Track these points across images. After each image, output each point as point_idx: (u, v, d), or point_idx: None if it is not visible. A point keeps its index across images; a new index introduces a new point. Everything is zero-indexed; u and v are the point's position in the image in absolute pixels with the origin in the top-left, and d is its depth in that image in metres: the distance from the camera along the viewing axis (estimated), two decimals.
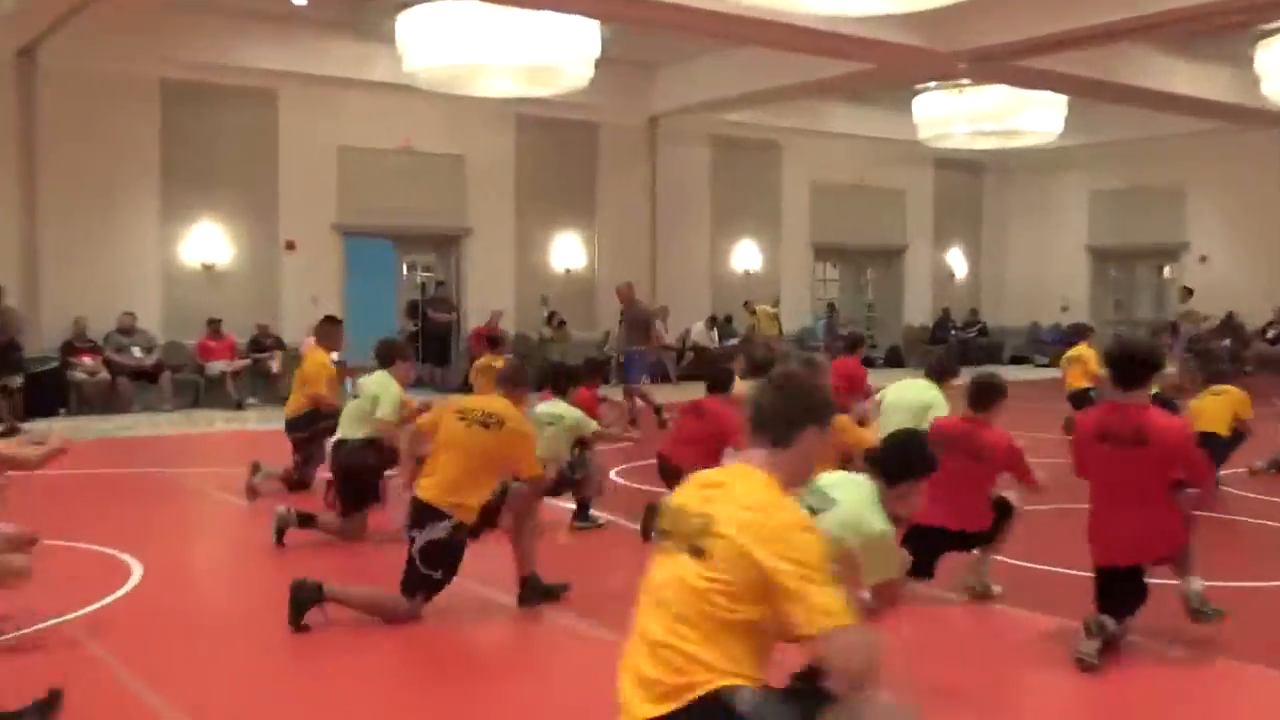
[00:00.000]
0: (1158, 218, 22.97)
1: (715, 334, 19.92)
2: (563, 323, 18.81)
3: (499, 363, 9.08)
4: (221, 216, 16.46)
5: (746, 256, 21.65)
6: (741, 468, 2.67)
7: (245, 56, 15.84)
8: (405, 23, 13.42)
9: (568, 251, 19.47)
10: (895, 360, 22.48)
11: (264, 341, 16.28)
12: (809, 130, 21.13)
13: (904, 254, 24.15)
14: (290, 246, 16.75)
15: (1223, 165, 21.71)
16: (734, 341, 19.02)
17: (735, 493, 2.57)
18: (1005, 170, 24.88)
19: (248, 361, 16.27)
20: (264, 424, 12.99)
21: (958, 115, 18.06)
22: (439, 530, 5.21)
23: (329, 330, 9.03)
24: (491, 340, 13.00)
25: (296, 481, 8.64)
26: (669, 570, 2.55)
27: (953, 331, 23.26)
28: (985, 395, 5.61)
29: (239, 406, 15.64)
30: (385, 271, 18.84)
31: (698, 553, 2.50)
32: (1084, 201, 24.12)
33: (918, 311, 24.30)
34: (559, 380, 7.87)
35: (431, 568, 5.19)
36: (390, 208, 17.35)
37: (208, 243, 16.50)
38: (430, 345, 18.11)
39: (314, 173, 16.76)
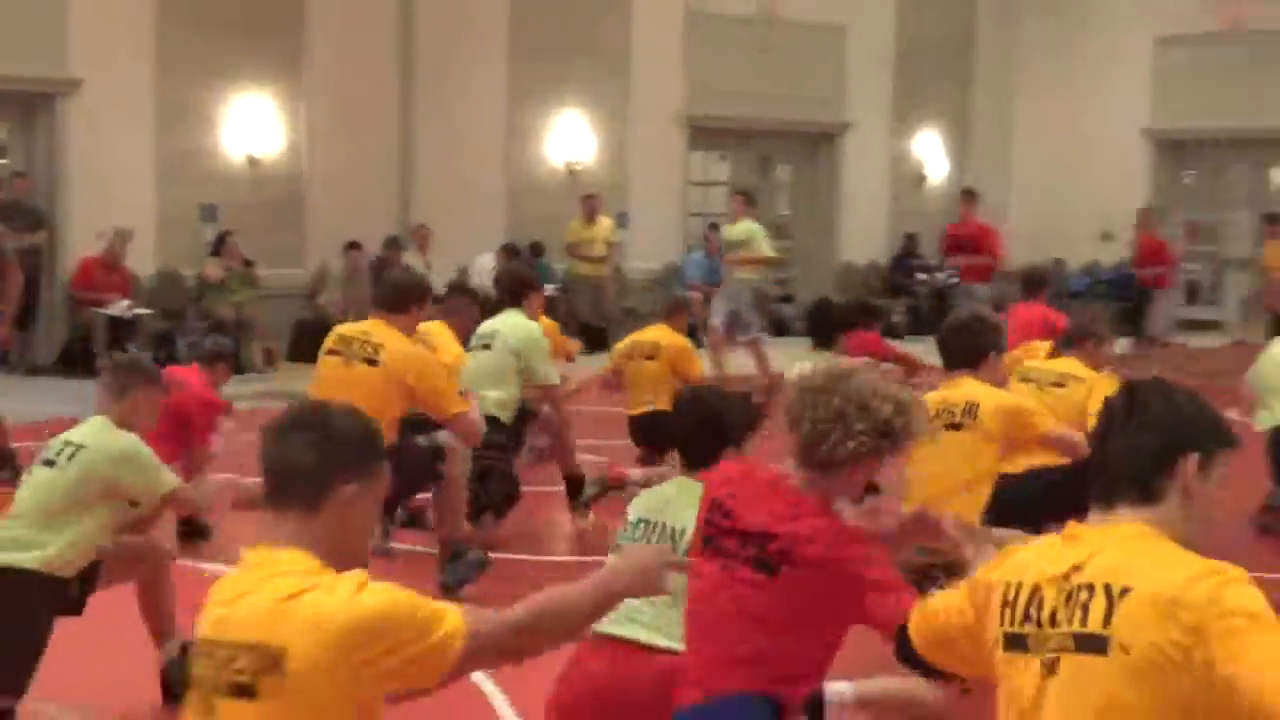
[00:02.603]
0: (1267, 87, 23.49)
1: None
2: (246, 262, 18.62)
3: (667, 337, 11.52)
4: None
5: (570, 139, 21.48)
6: None
7: None
8: None
9: (253, 125, 18.92)
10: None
11: None
12: None
13: (842, 139, 24.23)
14: None
15: None
16: (551, 289, 18.89)
17: None
18: (1010, 3, 25.64)
19: None
20: None
21: None
22: None
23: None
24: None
25: None
26: None
27: (921, 276, 23.68)
28: None
29: None
30: None
31: None
32: (1144, 55, 24.64)
33: (863, 239, 24.35)
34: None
35: None
36: None
37: None
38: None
39: None
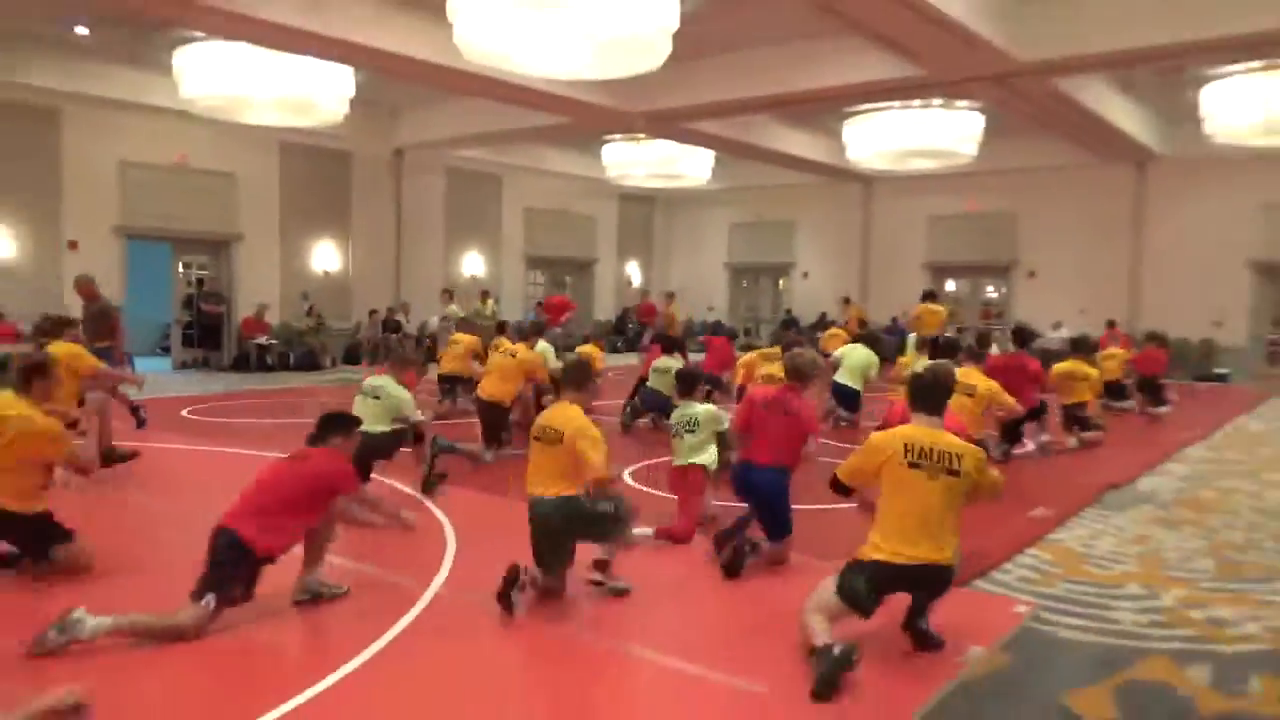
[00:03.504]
0: (776, 244, 23.41)
1: (452, 325, 18.40)
2: (320, 317, 18.05)
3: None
4: (2, 215, 14.65)
5: (473, 264, 21.22)
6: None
7: (29, 76, 14.11)
8: (183, 56, 12.34)
9: (326, 256, 18.63)
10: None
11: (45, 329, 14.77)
12: (525, 166, 20.93)
13: (595, 266, 24.11)
14: (73, 246, 15.14)
15: (821, 208, 22.43)
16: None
17: None
18: (670, 204, 25.20)
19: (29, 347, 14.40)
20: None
21: (637, 161, 18.07)
22: None
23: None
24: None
25: None
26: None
27: (630, 325, 22.63)
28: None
29: None
30: (163, 270, 17.34)
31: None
32: (725, 230, 24.31)
33: (604, 310, 24.10)
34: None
35: None
36: (169, 215, 16.16)
37: None
38: (204, 333, 17.36)
39: (96, 182, 15.38)
